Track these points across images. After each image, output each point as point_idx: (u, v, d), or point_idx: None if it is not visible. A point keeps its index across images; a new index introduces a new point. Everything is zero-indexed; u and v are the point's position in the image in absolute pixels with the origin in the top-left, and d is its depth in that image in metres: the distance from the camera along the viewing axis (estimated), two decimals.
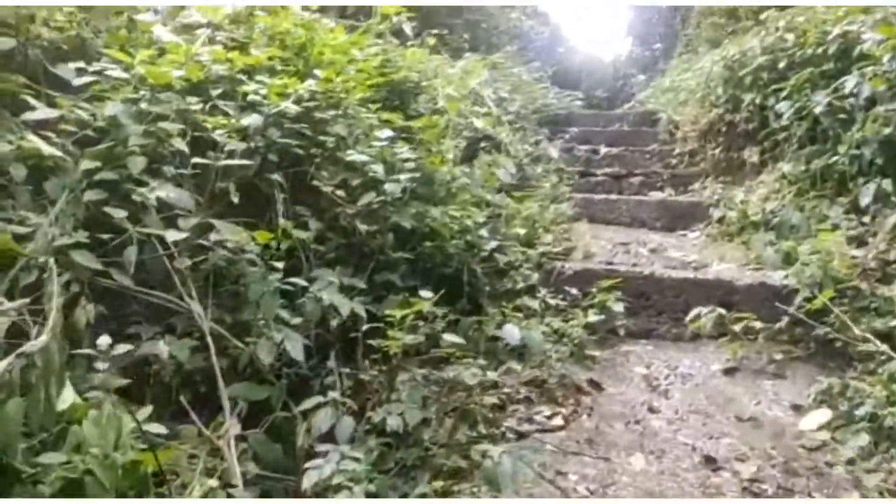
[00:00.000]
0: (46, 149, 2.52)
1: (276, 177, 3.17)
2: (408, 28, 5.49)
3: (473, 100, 6.03)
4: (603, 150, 7.53)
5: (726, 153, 6.52)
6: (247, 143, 3.09)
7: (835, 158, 4.78)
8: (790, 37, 5.88)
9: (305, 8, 4.49)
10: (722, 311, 3.80)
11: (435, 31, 9.23)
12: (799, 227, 4.84)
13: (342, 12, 6.51)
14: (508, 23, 11.06)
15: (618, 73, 16.40)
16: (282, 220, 3.06)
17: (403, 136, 3.92)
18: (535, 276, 4.02)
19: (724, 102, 6.49)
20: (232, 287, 2.80)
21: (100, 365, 2.16)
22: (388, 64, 4.72)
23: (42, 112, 2.69)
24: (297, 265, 3.09)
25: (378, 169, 3.41)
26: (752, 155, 6.15)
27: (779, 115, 5.68)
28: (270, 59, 3.66)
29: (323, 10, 5.19)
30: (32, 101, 2.76)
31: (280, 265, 2.85)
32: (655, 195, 6.26)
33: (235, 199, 2.94)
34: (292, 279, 2.87)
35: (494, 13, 10.68)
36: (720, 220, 5.55)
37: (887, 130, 4.37)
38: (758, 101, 5.97)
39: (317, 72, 3.60)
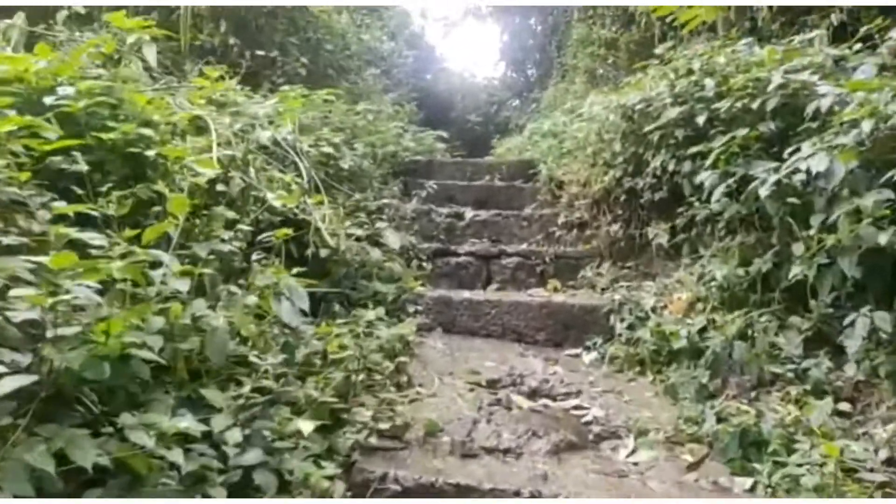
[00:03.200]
0: None
1: None
2: (151, 56, 3.61)
3: (279, 157, 4.18)
4: (469, 213, 5.84)
5: (625, 229, 4.98)
6: None
7: (793, 269, 3.25)
8: (709, 83, 4.40)
9: None
10: None
11: (261, 53, 7.39)
12: (745, 363, 3.30)
13: None
14: (360, 44, 9.26)
15: (492, 97, 15.59)
16: None
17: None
18: None
19: (622, 163, 4.95)
20: None
21: None
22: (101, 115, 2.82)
23: None
24: None
25: None
26: (660, 235, 4.62)
27: (697, 187, 4.17)
28: None
29: None
30: None
31: None
32: (537, 293, 4.58)
33: None
34: None
35: (344, 33, 8.85)
36: (627, 340, 3.94)
37: (881, 237, 2.85)
38: (669, 165, 4.44)
39: None
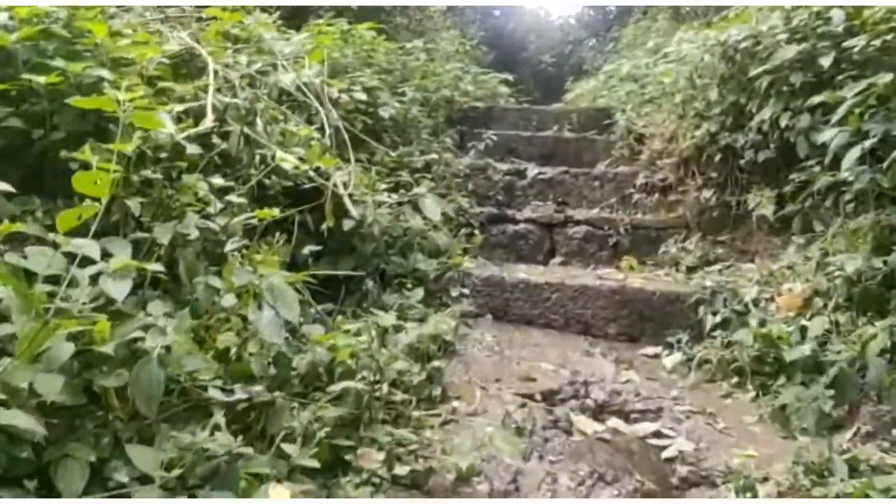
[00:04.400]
0: None
1: None
2: None
3: (303, 107, 3.48)
4: (532, 170, 5.05)
5: (719, 196, 4.12)
6: None
7: None
8: (837, 14, 3.49)
9: None
10: None
11: None
12: (884, 388, 2.50)
13: None
14: None
15: (567, 36, 14.74)
16: None
17: None
18: None
19: (718, 114, 4.07)
20: None
21: None
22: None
23: None
24: None
25: None
26: (763, 205, 3.77)
27: (817, 148, 3.32)
28: None
29: None
30: None
31: None
32: (607, 275, 3.78)
33: None
34: None
35: None
36: (721, 340, 3.16)
37: None
38: (781, 119, 3.57)
39: None
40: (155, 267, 1.80)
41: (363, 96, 3.78)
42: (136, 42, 2.75)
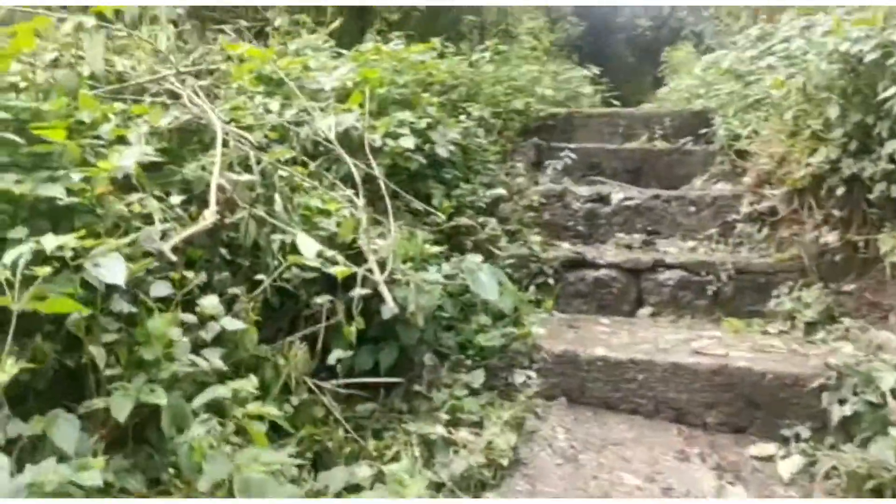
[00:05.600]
0: None
1: None
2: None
3: (337, 159, 3.02)
4: (616, 194, 4.43)
5: (843, 234, 3.42)
6: None
7: None
8: None
9: None
10: None
11: None
12: None
13: None
14: None
15: None
16: None
17: None
18: None
19: (840, 137, 3.36)
20: None
21: None
22: None
23: None
24: None
25: None
26: None
27: None
28: None
29: None
30: None
31: None
32: (705, 349, 3.13)
33: None
34: None
35: None
36: (851, 438, 2.52)
37: None
38: None
39: None
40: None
41: (411, 143, 3.28)
42: (128, 116, 2.35)
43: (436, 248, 3.05)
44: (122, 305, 1.72)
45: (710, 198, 4.25)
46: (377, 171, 2.99)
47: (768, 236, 3.77)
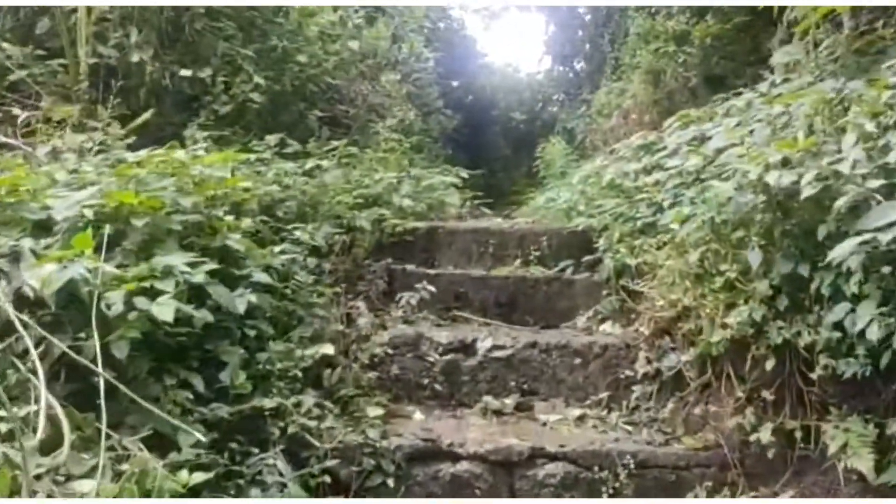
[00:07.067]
0: None
1: None
2: None
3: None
4: (483, 342, 3.49)
5: (775, 420, 2.58)
6: None
7: None
8: None
9: None
10: None
11: (187, 74, 5.13)
12: None
13: None
14: (354, 48, 6.81)
15: (536, 94, 14.10)
16: None
17: None
18: None
19: (767, 290, 2.56)
20: None
21: None
22: None
23: None
24: None
25: None
26: (857, 453, 2.25)
27: None
28: None
29: None
30: None
31: None
32: None
33: None
34: None
35: (328, 35, 6.51)
36: None
37: None
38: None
39: None
40: None
41: (169, 313, 2.19)
42: None
43: (198, 477, 1.95)
44: None
45: (599, 347, 3.37)
46: (97, 358, 1.89)
47: (674, 411, 2.90)
